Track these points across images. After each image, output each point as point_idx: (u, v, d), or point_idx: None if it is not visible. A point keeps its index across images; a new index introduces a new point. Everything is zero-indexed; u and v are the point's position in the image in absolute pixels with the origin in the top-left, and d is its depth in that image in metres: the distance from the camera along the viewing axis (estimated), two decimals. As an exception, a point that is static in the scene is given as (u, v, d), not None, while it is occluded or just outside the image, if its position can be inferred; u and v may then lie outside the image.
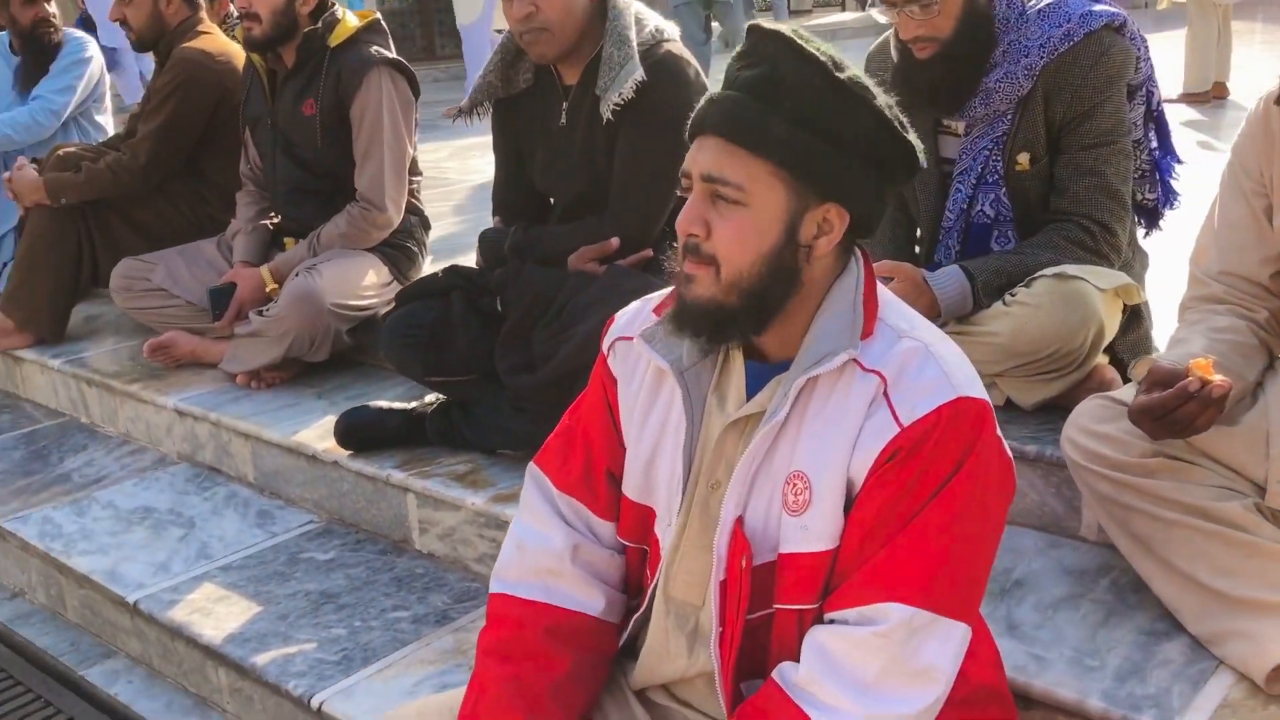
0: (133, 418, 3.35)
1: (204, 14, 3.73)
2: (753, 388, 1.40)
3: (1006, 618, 1.86)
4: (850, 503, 1.32)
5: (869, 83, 1.31)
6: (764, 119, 1.27)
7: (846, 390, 1.32)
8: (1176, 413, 1.63)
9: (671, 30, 2.57)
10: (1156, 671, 1.69)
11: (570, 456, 1.56)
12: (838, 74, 1.29)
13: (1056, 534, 2.10)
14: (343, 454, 2.71)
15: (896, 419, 1.28)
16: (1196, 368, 1.63)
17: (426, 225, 3.45)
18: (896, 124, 1.32)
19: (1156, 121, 2.41)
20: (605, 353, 1.55)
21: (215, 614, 2.40)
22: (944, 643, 1.28)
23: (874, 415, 1.30)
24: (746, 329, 1.35)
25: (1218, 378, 1.63)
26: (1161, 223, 2.52)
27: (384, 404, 2.73)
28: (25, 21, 4.17)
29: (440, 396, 2.69)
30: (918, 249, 2.53)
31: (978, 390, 1.32)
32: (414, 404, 2.72)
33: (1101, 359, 2.22)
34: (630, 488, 1.50)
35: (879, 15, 2.89)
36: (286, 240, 3.38)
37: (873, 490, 1.30)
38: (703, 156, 1.31)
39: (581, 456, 1.55)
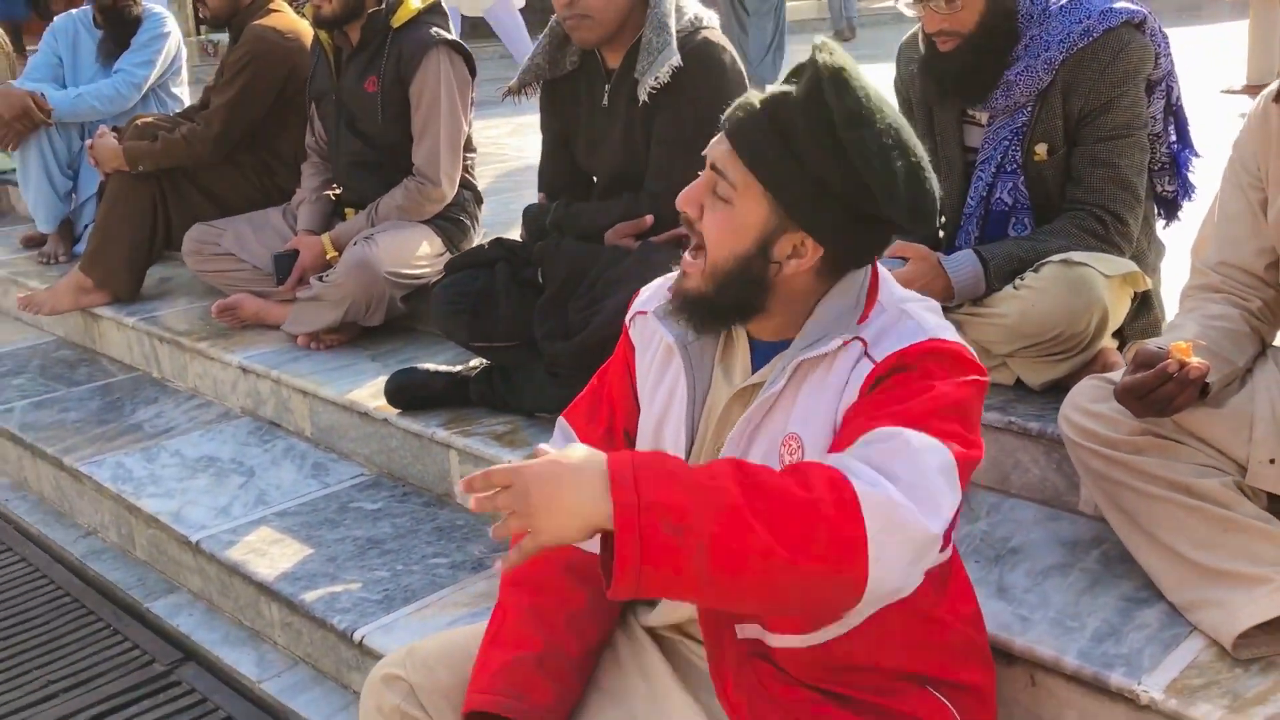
0: (200, 374, 3.56)
1: (276, -8, 3.92)
2: (758, 362, 1.54)
3: (998, 581, 1.98)
4: None
5: (877, 147, 1.36)
6: (766, 141, 1.39)
7: (834, 362, 1.45)
8: (1156, 392, 1.74)
9: (711, 18, 2.70)
10: (1133, 634, 1.80)
11: (596, 414, 1.72)
12: (844, 132, 1.36)
13: (1057, 508, 2.21)
14: (392, 412, 2.88)
15: (872, 360, 1.41)
16: (1176, 350, 1.74)
17: (479, 199, 3.60)
18: (882, 194, 1.37)
19: (1176, 116, 2.48)
20: (628, 324, 1.70)
21: (270, 555, 2.59)
22: (943, 467, 1.32)
23: (856, 368, 1.43)
24: (728, 320, 1.49)
25: (1195, 360, 1.73)
26: (1180, 214, 2.60)
27: (431, 367, 2.90)
28: None
29: (484, 361, 2.86)
30: (941, 234, 2.64)
31: (953, 338, 1.43)
32: (459, 367, 2.89)
33: (1110, 343, 2.32)
34: (642, 446, 1.64)
35: (905, 9, 2.95)
36: (347, 210, 3.56)
37: (857, 408, 1.40)
38: (718, 149, 1.44)
39: (606, 415, 1.70)
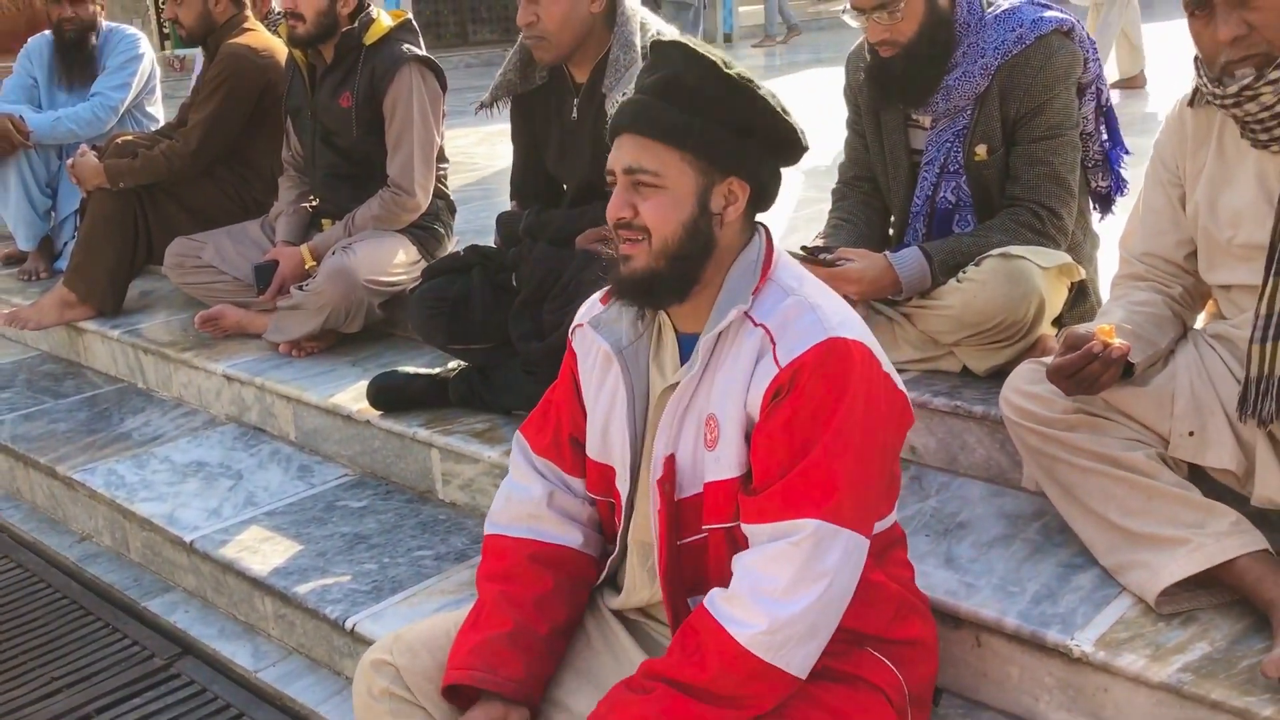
0: (185, 383, 3.67)
1: (249, 11, 4.04)
2: (685, 355, 1.70)
3: (946, 553, 2.14)
4: (750, 435, 1.61)
5: (752, 77, 1.61)
6: (668, 113, 1.58)
7: (741, 342, 1.61)
8: (1083, 371, 1.90)
9: (673, 34, 2.84)
10: (1068, 596, 1.96)
11: (545, 425, 1.89)
12: (727, 70, 1.59)
13: (1001, 485, 2.37)
14: (374, 414, 3.02)
15: (777, 362, 1.57)
16: (1100, 332, 1.90)
17: (452, 209, 3.74)
18: (780, 109, 1.62)
19: (1106, 116, 2.65)
20: (570, 336, 1.86)
21: (261, 552, 2.71)
22: (844, 550, 1.55)
23: (762, 360, 1.59)
24: (675, 292, 1.63)
25: (1117, 341, 1.89)
26: (1114, 208, 2.77)
27: (411, 369, 3.04)
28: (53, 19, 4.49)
29: (462, 363, 2.99)
30: (891, 232, 2.79)
31: (852, 333, 1.59)
32: (438, 370, 3.02)
33: (1049, 330, 2.49)
34: (592, 450, 1.81)
35: (850, 20, 3.10)
36: (324, 221, 3.69)
37: (766, 422, 1.58)
38: (622, 154, 1.61)
39: (553, 425, 1.87)
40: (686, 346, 1.70)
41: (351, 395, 3.14)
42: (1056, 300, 2.44)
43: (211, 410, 3.59)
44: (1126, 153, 2.68)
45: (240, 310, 3.70)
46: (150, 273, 4.22)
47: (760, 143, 1.63)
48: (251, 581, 2.64)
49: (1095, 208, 2.75)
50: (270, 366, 3.44)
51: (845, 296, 2.47)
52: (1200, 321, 2.24)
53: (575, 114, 2.84)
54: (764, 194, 1.67)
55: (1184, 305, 2.15)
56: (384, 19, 3.51)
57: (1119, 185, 2.71)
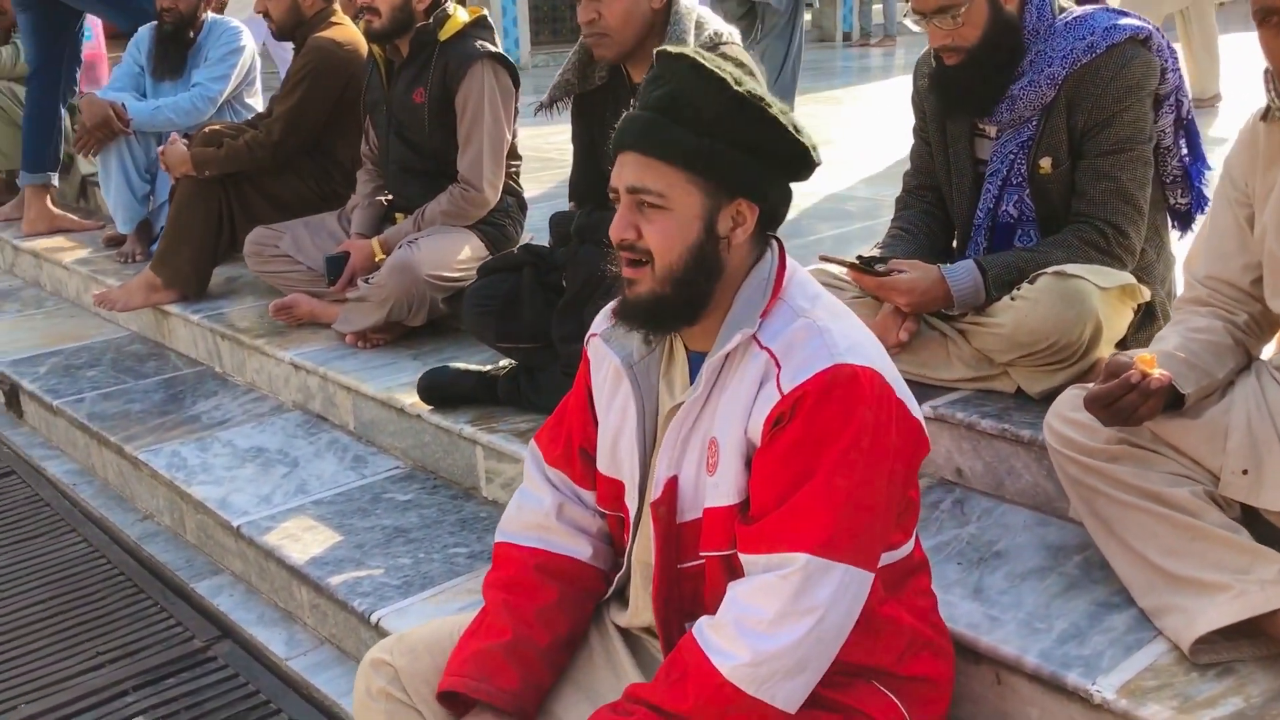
0: (257, 369, 3.75)
1: (337, 5, 4.11)
2: (695, 375, 1.64)
3: (976, 583, 2.04)
4: (750, 462, 1.54)
5: (763, 93, 1.53)
6: (673, 132, 1.50)
7: (746, 365, 1.55)
8: (1120, 401, 1.79)
9: (732, 33, 2.79)
10: (1097, 637, 1.85)
11: (557, 435, 1.85)
12: (735, 88, 1.50)
13: (1047, 513, 2.26)
14: (425, 408, 3.03)
15: (779, 388, 1.50)
16: (1140, 361, 1.79)
17: (523, 206, 3.74)
18: (789, 127, 1.53)
19: (1187, 129, 2.51)
20: (586, 345, 1.82)
21: (303, 540, 2.74)
22: (839, 585, 1.47)
23: (765, 386, 1.52)
24: (682, 317, 1.58)
25: (1157, 372, 1.78)
26: (1194, 226, 2.61)
27: (461, 366, 3.04)
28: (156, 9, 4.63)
29: (511, 361, 2.98)
30: (954, 245, 2.69)
31: (862, 359, 1.51)
32: (489, 367, 3.02)
33: (1110, 354, 2.36)
34: (602, 463, 1.76)
35: (912, 24, 2.97)
36: (397, 215, 3.72)
37: (766, 450, 1.52)
38: (625, 171, 1.54)
39: (564, 435, 1.83)
40: (696, 365, 1.64)
41: (407, 388, 3.16)
42: (1118, 323, 2.32)
43: (280, 397, 3.65)
44: (1208, 168, 2.53)
45: (313, 300, 3.76)
46: (237, 259, 4.30)
47: (769, 162, 1.55)
48: (290, 570, 2.67)
49: (1174, 225, 2.61)
50: (335, 356, 3.48)
51: (892, 317, 2.41)
52: (1268, 352, 2.10)
53: (632, 114, 2.80)
54: (774, 213, 1.60)
55: (1248, 333, 2.02)
56: (460, 15, 3.52)
57: (1199, 202, 2.56)
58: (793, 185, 1.62)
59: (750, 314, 1.55)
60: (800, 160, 1.57)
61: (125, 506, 3.41)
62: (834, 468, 1.47)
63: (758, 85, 1.54)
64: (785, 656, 1.46)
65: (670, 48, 1.55)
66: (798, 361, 1.50)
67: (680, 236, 1.53)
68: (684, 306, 1.56)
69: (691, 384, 1.62)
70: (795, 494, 1.48)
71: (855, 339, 1.55)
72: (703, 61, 1.52)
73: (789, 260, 1.63)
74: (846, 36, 13.54)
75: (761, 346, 1.54)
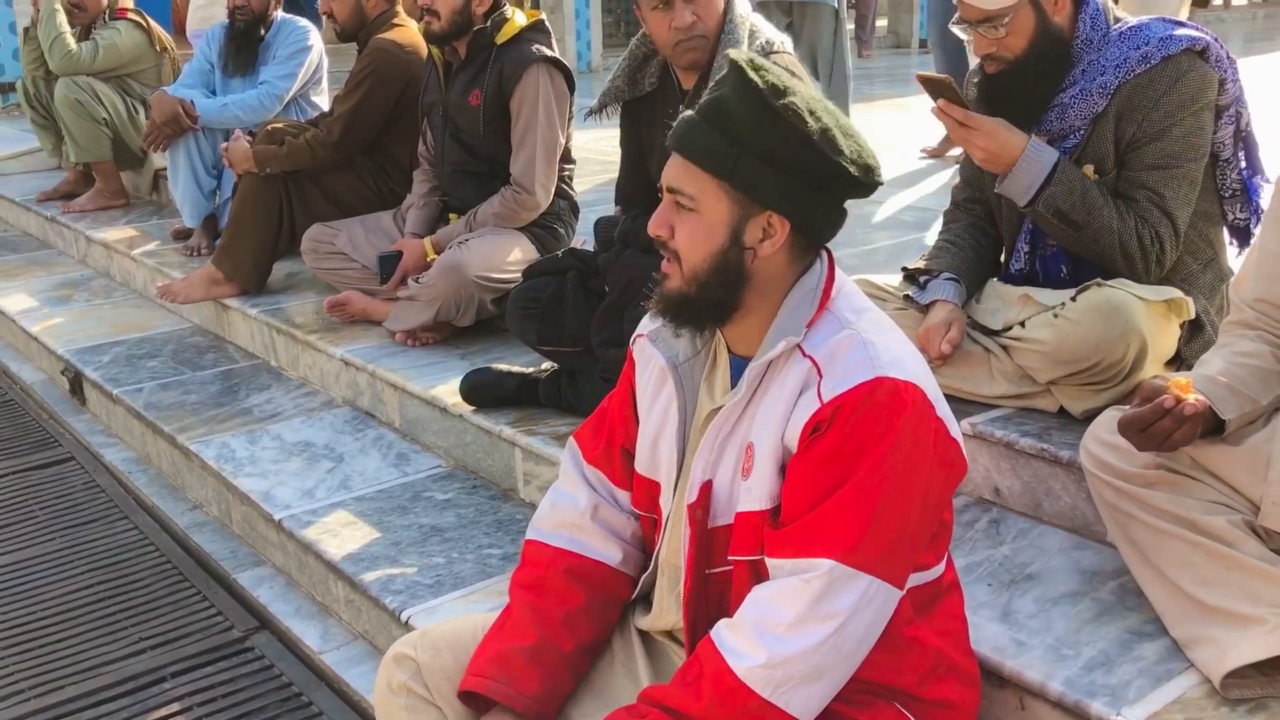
0: (310, 364, 3.80)
1: (399, 7, 4.15)
2: (736, 379, 1.63)
3: (1005, 606, 2.00)
4: (785, 468, 1.53)
5: (807, 109, 1.49)
6: (710, 139, 1.50)
7: (788, 372, 1.53)
8: (1153, 426, 1.74)
9: (784, 42, 2.77)
10: (1126, 666, 1.80)
11: (599, 433, 1.84)
12: (774, 101, 1.48)
13: (1085, 536, 2.21)
14: (468, 408, 3.05)
15: (820, 396, 1.48)
16: (1175, 386, 1.74)
17: (575, 209, 3.75)
18: (825, 147, 1.49)
19: (1245, 141, 2.43)
20: (631, 345, 1.81)
21: (341, 536, 2.78)
22: (862, 595, 1.46)
23: (805, 393, 1.51)
24: (708, 317, 1.58)
25: (1192, 397, 1.73)
26: (1252, 240, 2.53)
27: (504, 367, 3.05)
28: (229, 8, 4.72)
29: (554, 364, 2.99)
30: (1002, 257, 2.64)
31: (905, 373, 1.49)
32: (531, 369, 3.03)
33: (1157, 373, 2.29)
34: (640, 464, 1.76)
35: (959, 32, 2.91)
36: (451, 216, 3.76)
37: (801, 457, 1.50)
38: (669, 171, 1.55)
39: (605, 434, 1.83)
40: (738, 370, 1.64)
41: (452, 388, 3.18)
42: (1164, 340, 2.26)
43: (330, 392, 3.70)
44: (1266, 181, 2.46)
45: (366, 297, 3.80)
46: (297, 255, 4.36)
47: (802, 179, 1.52)
48: (328, 564, 2.70)
49: (1232, 241, 2.53)
50: (385, 354, 3.51)
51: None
52: (1318, 378, 2.02)
53: (679, 120, 2.79)
54: (812, 229, 1.57)
55: (1296, 359, 1.95)
56: (517, 18, 3.54)
57: (1258, 216, 2.49)
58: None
59: (796, 323, 1.54)
60: (841, 181, 1.53)
61: (176, 496, 3.49)
62: (867, 478, 1.45)
63: (807, 98, 1.51)
64: (801, 661, 1.45)
65: (733, 52, 1.56)
66: (840, 371, 1.49)
67: (705, 241, 1.53)
68: (708, 308, 1.56)
69: (733, 388, 1.61)
70: (826, 501, 1.47)
71: (899, 353, 1.53)
72: (748, 71, 1.50)
73: (838, 272, 1.61)
74: (923, 43, 13.39)
75: (805, 355, 1.53)
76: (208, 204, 4.93)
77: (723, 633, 1.52)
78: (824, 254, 1.61)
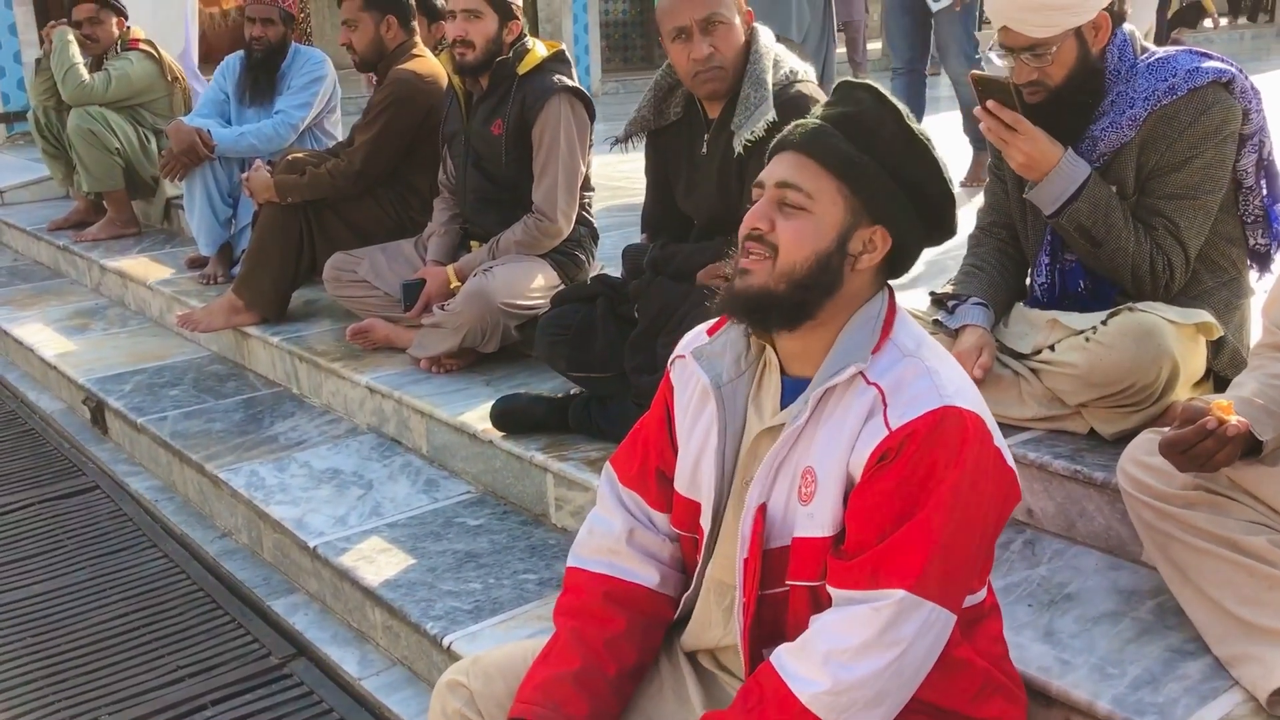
0: (333, 391, 3.83)
1: (418, 38, 4.21)
2: (787, 399, 1.66)
3: (1047, 625, 2.04)
4: (849, 495, 1.56)
5: (931, 139, 1.60)
6: (839, 143, 1.57)
7: (852, 399, 1.56)
8: (1196, 448, 1.78)
9: (807, 71, 2.82)
10: (1171, 685, 1.84)
11: (633, 456, 1.87)
12: (909, 123, 1.58)
13: (1120, 557, 2.24)
14: (497, 435, 3.08)
15: (887, 424, 1.52)
16: (1217, 407, 1.78)
17: (595, 235, 3.79)
18: (946, 178, 1.60)
19: (1267, 170, 2.48)
20: (669, 367, 1.84)
21: (377, 562, 2.80)
22: (925, 623, 1.50)
23: (871, 420, 1.54)
24: (784, 318, 1.60)
25: (1234, 418, 1.77)
26: (1273, 266, 2.58)
27: (534, 393, 3.09)
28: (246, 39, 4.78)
29: (582, 389, 3.03)
30: (1027, 281, 2.69)
31: (968, 403, 1.53)
32: (560, 395, 3.07)
33: (1186, 395, 2.34)
34: (680, 484, 1.78)
35: (996, 59, 2.98)
36: (472, 243, 3.79)
37: (867, 485, 1.53)
38: (779, 168, 1.60)
39: (640, 456, 1.86)
40: (788, 390, 1.67)
41: (480, 414, 3.21)
42: (1194, 362, 2.31)
43: (354, 419, 3.73)
44: (1287, 208, 2.51)
45: (389, 325, 3.84)
46: (316, 283, 4.41)
47: (917, 202, 1.60)
48: (364, 591, 2.73)
49: (1252, 265, 2.58)
50: (410, 381, 3.55)
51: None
52: (1349, 399, 2.07)
53: (705, 149, 2.84)
54: (902, 256, 1.64)
55: (1328, 381, 1.99)
56: (538, 49, 3.59)
57: (1277, 242, 2.54)
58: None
59: (862, 349, 1.58)
60: (943, 212, 1.62)
61: (205, 523, 3.51)
62: (935, 509, 1.49)
63: (924, 127, 1.62)
64: (865, 687, 1.48)
65: (851, 79, 1.64)
66: (906, 399, 1.53)
67: (813, 240, 1.57)
68: (791, 309, 1.58)
69: (782, 408, 1.64)
70: (895, 532, 1.50)
71: (961, 383, 1.57)
72: (884, 93, 1.61)
73: (897, 303, 1.66)
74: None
75: (869, 382, 1.56)
76: (223, 232, 4.96)
77: (784, 658, 1.55)
78: (887, 286, 1.65)
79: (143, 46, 5.76)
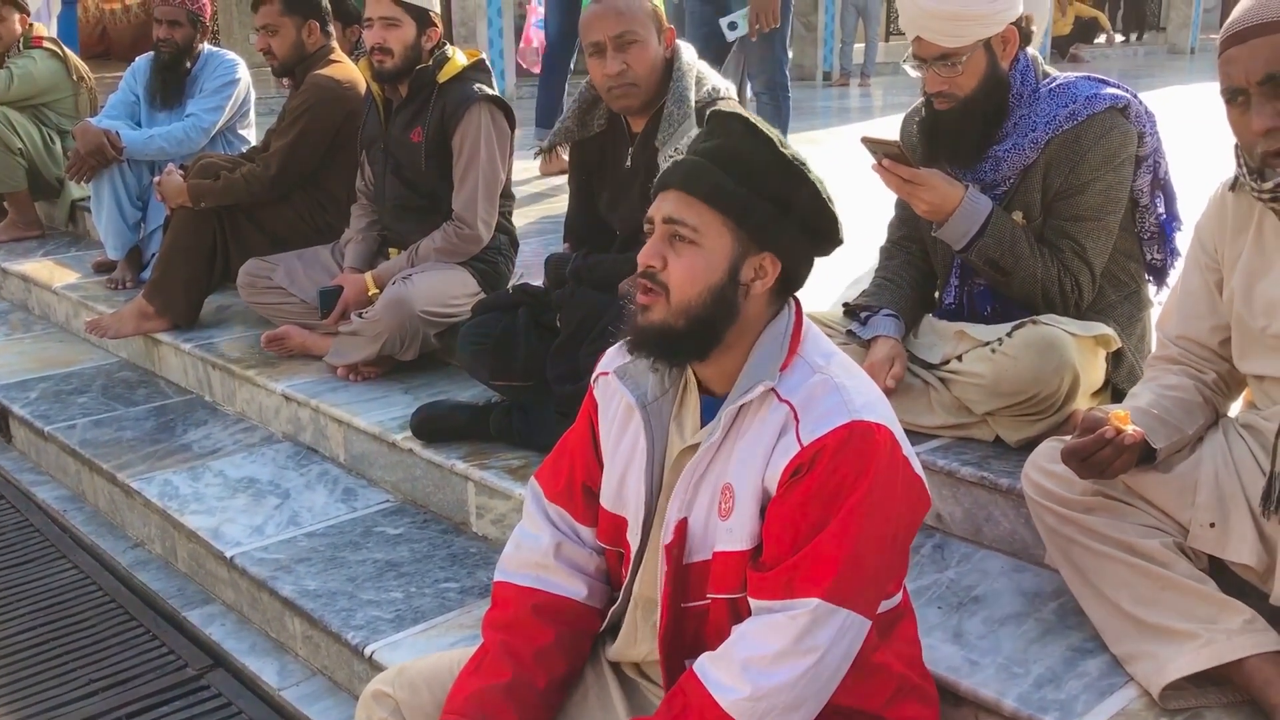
0: (248, 399, 3.79)
1: (335, 43, 4.18)
2: (707, 417, 1.71)
3: (956, 627, 2.12)
4: (765, 510, 1.62)
5: (807, 161, 1.64)
6: (718, 177, 1.61)
7: (764, 416, 1.62)
8: (1095, 455, 1.88)
9: (729, 89, 2.88)
10: (1072, 682, 1.93)
11: (559, 471, 1.91)
12: (783, 150, 1.62)
13: (1024, 560, 2.34)
14: (417, 443, 3.08)
15: (799, 439, 1.58)
16: (1115, 417, 1.88)
17: (515, 244, 3.81)
18: (826, 198, 1.64)
19: (1164, 188, 2.61)
20: (592, 384, 1.88)
21: (296, 572, 2.79)
22: (840, 629, 1.56)
23: (784, 437, 1.60)
24: (688, 351, 1.66)
25: (1131, 428, 1.87)
26: (1169, 280, 2.71)
27: (455, 401, 3.10)
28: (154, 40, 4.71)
29: (503, 398, 3.05)
30: (936, 294, 2.78)
31: (877, 416, 1.59)
32: (481, 403, 3.08)
33: (1086, 405, 2.45)
34: (606, 499, 1.83)
35: (910, 69, 3.10)
36: (391, 250, 3.79)
37: (781, 500, 1.59)
38: (665, 205, 1.64)
39: (566, 472, 1.89)
40: (708, 409, 1.72)
41: (399, 422, 3.22)
42: (1093, 373, 2.42)
43: (270, 427, 3.70)
44: (1179, 226, 2.63)
45: (305, 332, 3.81)
46: (228, 288, 4.35)
47: (800, 225, 1.65)
48: (283, 601, 2.72)
49: (1150, 280, 2.70)
50: (327, 389, 3.53)
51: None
52: (1235, 409, 2.19)
53: (629, 162, 2.89)
54: (794, 276, 1.69)
55: (1217, 391, 2.11)
56: (458, 58, 3.61)
57: (1173, 257, 2.67)
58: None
59: (770, 367, 1.63)
60: (827, 232, 1.67)
61: (116, 534, 3.45)
62: (846, 519, 1.54)
63: (798, 152, 1.65)
64: (783, 693, 1.54)
65: (723, 108, 1.67)
66: (816, 415, 1.58)
67: (704, 274, 1.61)
68: (691, 341, 1.64)
69: (703, 426, 1.69)
70: (808, 543, 1.55)
71: (869, 396, 1.63)
72: (755, 122, 1.64)
73: (805, 318, 1.71)
74: (826, 76, 13.72)
75: (781, 399, 1.62)
76: (132, 236, 4.87)
77: (706, 666, 1.60)
78: (792, 300, 1.71)
79: (47, 45, 5.62)
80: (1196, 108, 8.26)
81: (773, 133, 1.64)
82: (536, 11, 9.37)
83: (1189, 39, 17.31)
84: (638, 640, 1.82)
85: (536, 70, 8.08)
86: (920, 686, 1.78)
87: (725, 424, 1.64)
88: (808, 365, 1.65)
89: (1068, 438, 2.11)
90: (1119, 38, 18.03)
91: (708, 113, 1.68)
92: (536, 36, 9.43)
